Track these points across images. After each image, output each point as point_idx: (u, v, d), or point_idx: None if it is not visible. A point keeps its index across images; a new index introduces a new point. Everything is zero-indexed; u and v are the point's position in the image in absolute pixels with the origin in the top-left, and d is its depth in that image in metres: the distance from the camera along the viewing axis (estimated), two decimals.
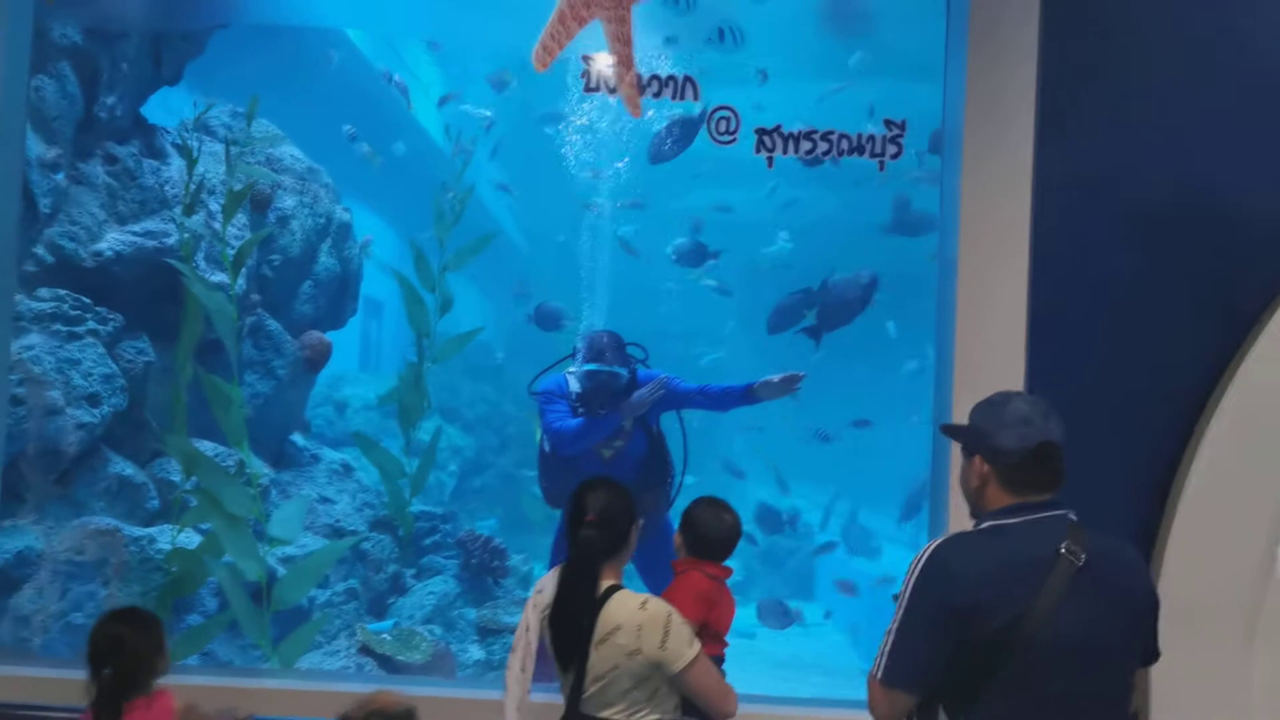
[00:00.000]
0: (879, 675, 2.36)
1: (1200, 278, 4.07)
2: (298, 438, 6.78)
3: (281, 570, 5.24)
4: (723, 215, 9.62)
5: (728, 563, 3.35)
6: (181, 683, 3.70)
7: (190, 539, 5.07)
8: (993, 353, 4.00)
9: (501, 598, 6.80)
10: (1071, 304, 4.08)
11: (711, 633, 3.22)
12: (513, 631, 6.28)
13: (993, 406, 2.51)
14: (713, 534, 3.29)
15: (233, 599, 4.71)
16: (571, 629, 2.90)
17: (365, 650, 5.18)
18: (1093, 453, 4.00)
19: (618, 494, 3.03)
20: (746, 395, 4.86)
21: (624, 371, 4.96)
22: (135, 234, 5.30)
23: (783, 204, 9.46)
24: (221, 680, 4.18)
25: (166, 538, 5.08)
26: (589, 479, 3.11)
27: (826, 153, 4.48)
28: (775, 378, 4.83)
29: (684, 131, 5.70)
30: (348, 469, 6.81)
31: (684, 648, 2.81)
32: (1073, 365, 4.03)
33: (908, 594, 2.35)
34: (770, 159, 4.50)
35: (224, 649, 5.26)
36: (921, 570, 2.35)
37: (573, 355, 5.18)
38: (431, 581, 6.64)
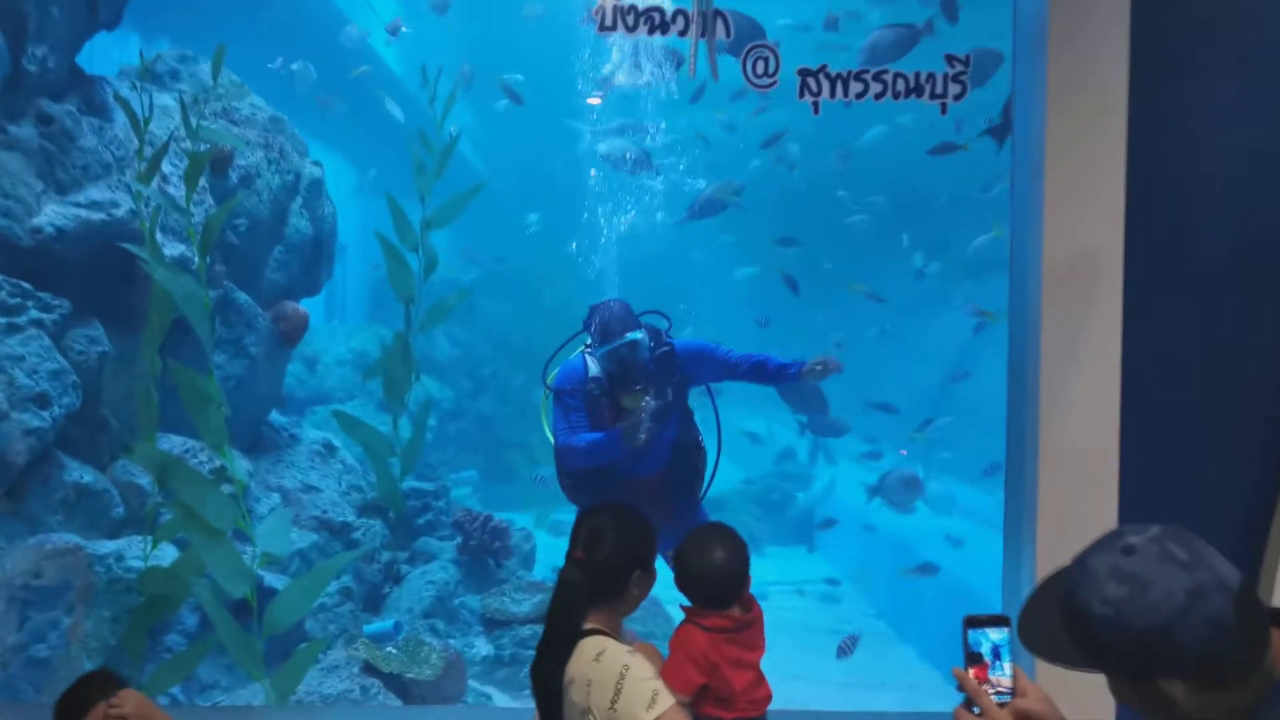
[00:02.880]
0: None
1: None
2: (276, 417, 6.16)
3: (268, 582, 4.66)
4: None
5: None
6: None
7: (165, 552, 4.48)
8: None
9: (505, 581, 6.28)
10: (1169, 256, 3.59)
11: (715, 696, 2.60)
12: (521, 622, 5.86)
13: (1121, 581, 1.60)
14: (700, 579, 2.63)
15: (218, 624, 4.13)
16: (545, 678, 2.48)
17: (370, 669, 4.63)
18: (1195, 420, 3.61)
19: (620, 534, 2.52)
20: (796, 377, 4.34)
21: (641, 335, 4.40)
22: (79, 205, 4.59)
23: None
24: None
25: (136, 552, 4.48)
26: (595, 506, 2.62)
27: (880, 95, 3.88)
28: (818, 364, 4.38)
29: None
30: (330, 449, 6.22)
31: (639, 710, 2.27)
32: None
33: None
34: (816, 104, 3.91)
35: (207, 670, 4.72)
36: None
37: (583, 331, 4.61)
38: (429, 568, 6.10)
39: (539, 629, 5.80)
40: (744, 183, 6.42)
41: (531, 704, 2.59)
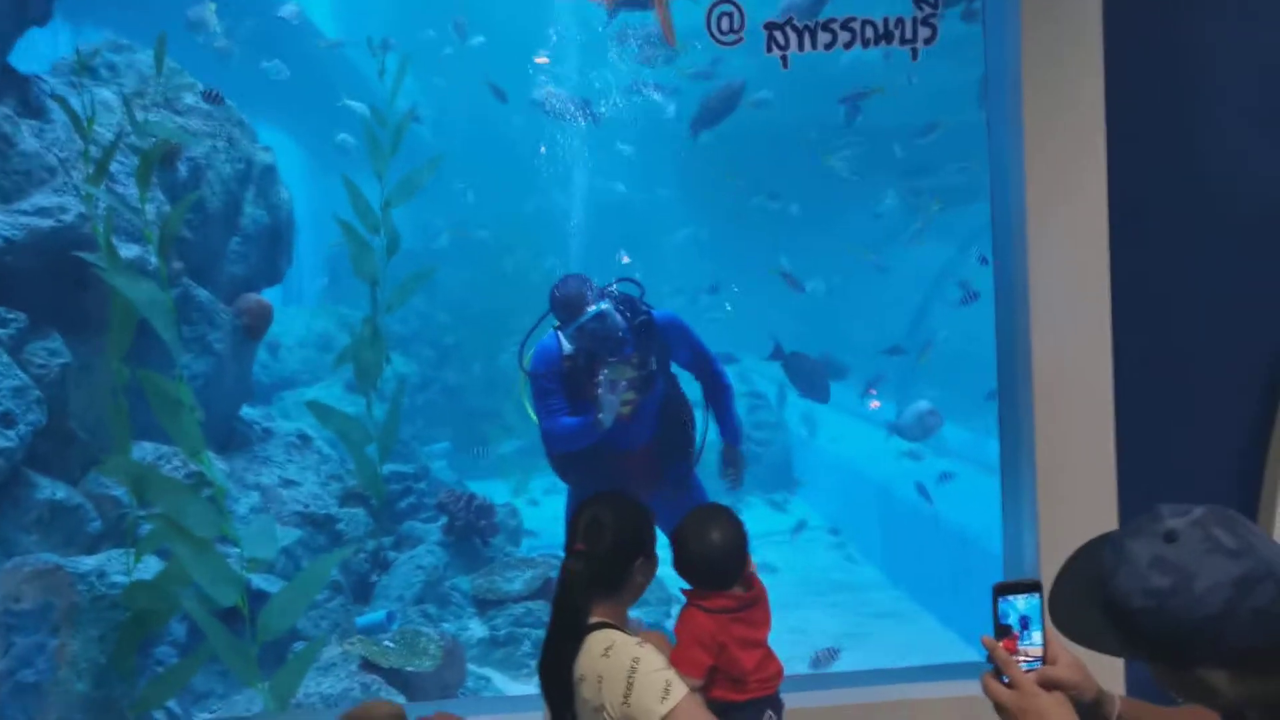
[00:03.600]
0: None
1: None
2: (246, 409, 6.01)
3: (256, 585, 4.56)
4: None
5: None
6: None
7: (149, 565, 4.35)
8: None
9: (494, 559, 6.22)
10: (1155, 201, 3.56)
11: (726, 677, 2.59)
12: (514, 600, 5.80)
13: (1164, 571, 1.54)
14: (698, 561, 2.61)
15: (210, 634, 4.02)
16: (554, 675, 2.45)
17: (369, 666, 4.55)
18: (1187, 372, 3.60)
19: (620, 522, 2.51)
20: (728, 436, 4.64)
21: (606, 305, 4.32)
22: (25, 213, 4.40)
23: None
24: None
25: (118, 566, 4.35)
26: (592, 496, 2.59)
27: (849, 43, 3.80)
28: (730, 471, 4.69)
29: None
30: (305, 440, 6.09)
31: (652, 703, 2.25)
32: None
33: None
34: (785, 58, 3.82)
35: (201, 679, 4.62)
36: None
37: (548, 314, 4.51)
38: (416, 553, 6.02)
39: (532, 606, 5.78)
40: (744, 79, 6.16)
41: (533, 687, 2.55)
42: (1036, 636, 1.84)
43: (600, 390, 4.21)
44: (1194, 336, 3.59)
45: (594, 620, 2.46)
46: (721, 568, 2.61)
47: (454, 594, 5.84)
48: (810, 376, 6.33)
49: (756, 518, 8.67)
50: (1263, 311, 3.57)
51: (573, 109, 7.43)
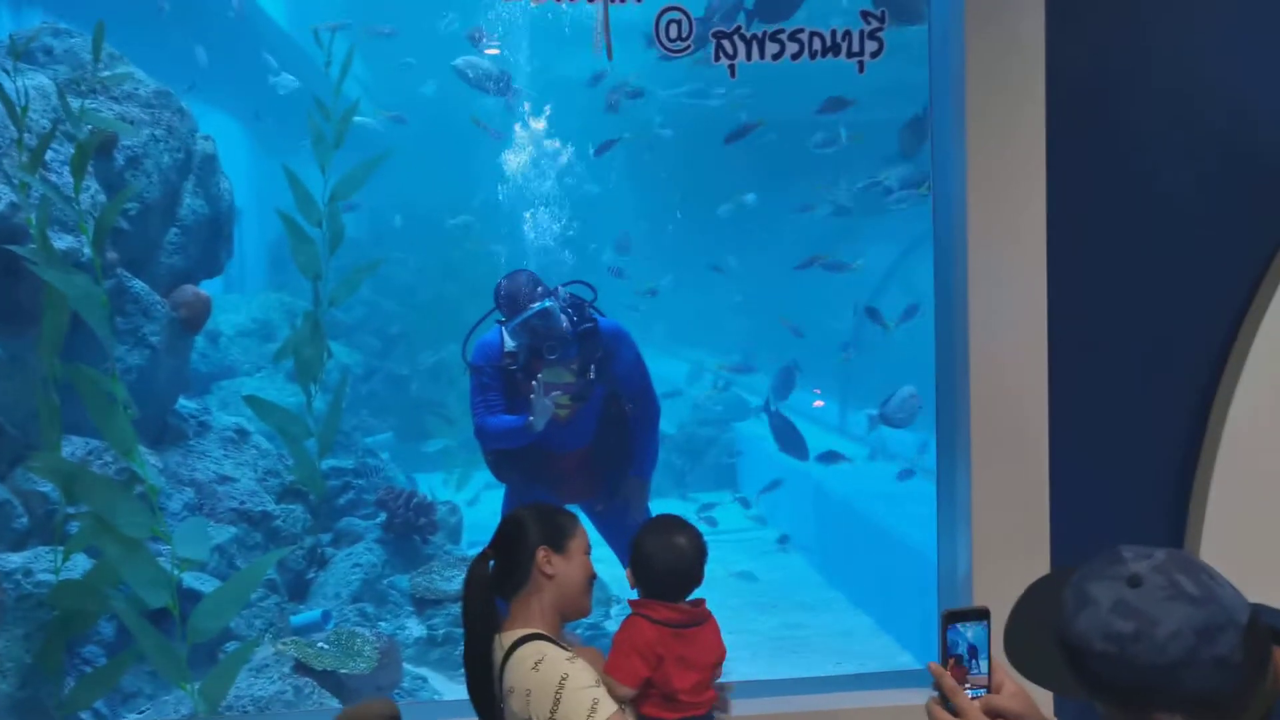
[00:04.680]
0: None
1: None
2: (182, 402, 5.91)
3: (187, 583, 4.49)
4: None
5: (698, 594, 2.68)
6: None
7: (76, 563, 4.27)
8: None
9: (433, 557, 6.18)
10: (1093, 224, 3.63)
11: (659, 693, 2.57)
12: (452, 600, 5.77)
13: (1126, 616, 1.53)
14: (659, 565, 2.62)
15: (139, 636, 3.95)
16: (476, 678, 2.50)
17: (302, 668, 4.49)
18: (1122, 383, 3.67)
19: (525, 518, 2.60)
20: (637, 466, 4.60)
21: (551, 304, 4.30)
22: None
23: None
24: None
25: (45, 564, 4.26)
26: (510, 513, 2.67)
27: (797, 55, 3.84)
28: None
29: None
30: (242, 434, 5.99)
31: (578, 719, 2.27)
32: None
33: None
34: (733, 68, 3.84)
35: (129, 679, 4.53)
36: None
37: (495, 308, 4.49)
38: (354, 550, 5.96)
39: None
40: None
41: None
42: (983, 664, 1.84)
43: (535, 391, 4.18)
44: (1130, 344, 3.66)
45: (527, 631, 2.45)
46: (682, 572, 2.62)
47: (392, 592, 5.79)
48: (789, 435, 6.83)
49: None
50: (1198, 320, 3.65)
51: (486, 73, 7.36)
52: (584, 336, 4.41)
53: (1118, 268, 3.65)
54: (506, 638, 2.45)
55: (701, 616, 2.64)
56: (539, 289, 4.36)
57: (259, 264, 12.12)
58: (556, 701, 2.26)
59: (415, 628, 5.57)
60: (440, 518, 6.41)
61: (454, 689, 5.23)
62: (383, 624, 5.53)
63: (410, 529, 6.16)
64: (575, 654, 2.41)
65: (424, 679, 5.19)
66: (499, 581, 2.53)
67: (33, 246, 3.97)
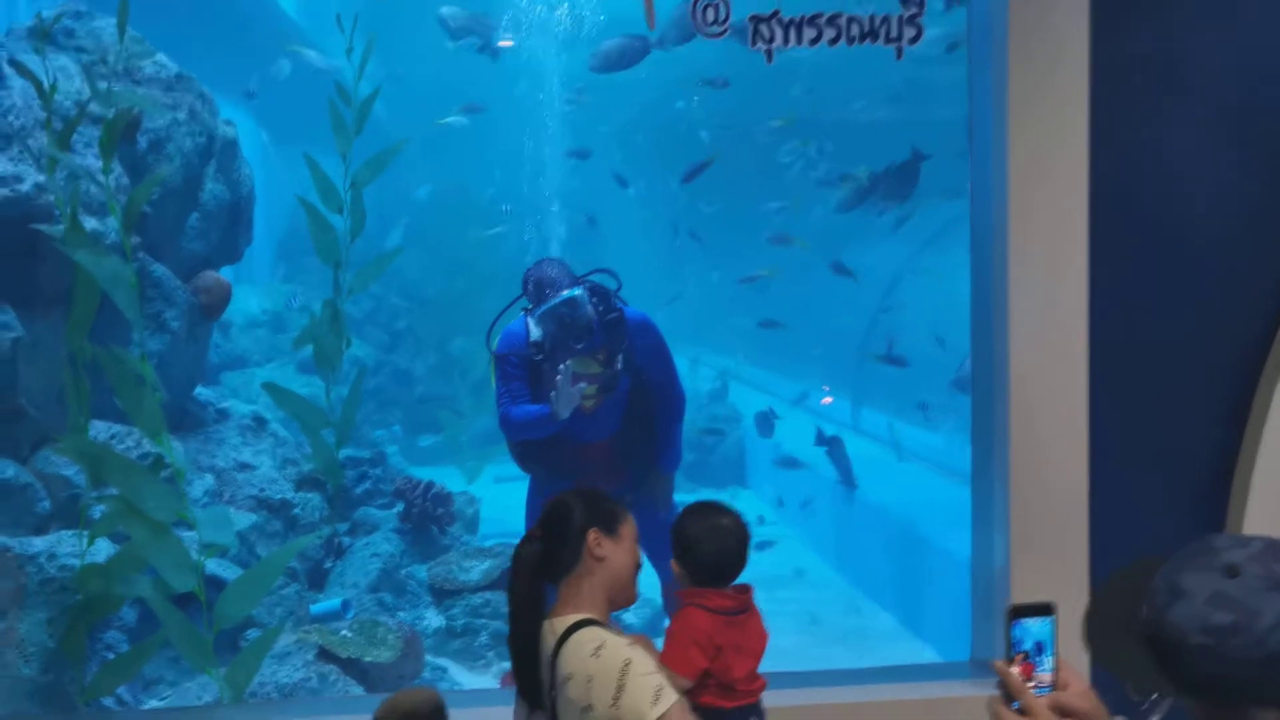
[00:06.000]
0: None
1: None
2: (200, 390, 5.87)
3: (209, 570, 4.44)
4: None
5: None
6: None
7: (100, 548, 4.23)
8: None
9: (451, 548, 6.14)
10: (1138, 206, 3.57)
11: (717, 683, 2.54)
12: (471, 590, 5.73)
13: (1224, 608, 1.48)
14: (707, 550, 2.57)
15: (166, 621, 3.91)
16: (524, 665, 2.43)
17: (326, 655, 4.46)
18: (1162, 382, 3.63)
19: (575, 500, 2.51)
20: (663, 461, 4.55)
21: (580, 292, 4.25)
22: None
23: None
24: None
25: (68, 549, 4.22)
26: (557, 496, 2.58)
27: (835, 39, 3.78)
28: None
29: None
30: (260, 422, 5.96)
31: (644, 707, 2.21)
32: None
33: None
34: (770, 52, 3.79)
35: (150, 665, 4.51)
36: None
37: (522, 295, 4.43)
38: (372, 540, 5.92)
39: (490, 597, 5.70)
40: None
41: (491, 679, 2.48)
42: (1049, 661, 1.77)
43: (559, 381, 4.12)
44: (1170, 336, 3.62)
45: (579, 616, 2.41)
46: (730, 554, 2.57)
47: (410, 582, 5.75)
48: (842, 463, 7.14)
49: None
50: (1238, 320, 3.61)
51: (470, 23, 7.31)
52: (610, 326, 4.35)
53: (1158, 266, 3.60)
54: (558, 623, 2.40)
55: (748, 602, 2.61)
56: (568, 277, 4.31)
57: (264, 254, 12.08)
58: (620, 688, 2.22)
59: (434, 618, 5.54)
60: (458, 508, 6.37)
61: (474, 679, 5.20)
62: (401, 614, 5.49)
63: (428, 519, 6.12)
64: (634, 641, 2.37)
65: (444, 669, 5.16)
66: (546, 565, 2.48)
67: (61, 227, 3.93)
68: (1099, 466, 3.55)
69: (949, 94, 4.76)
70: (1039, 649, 1.78)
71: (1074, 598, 3.51)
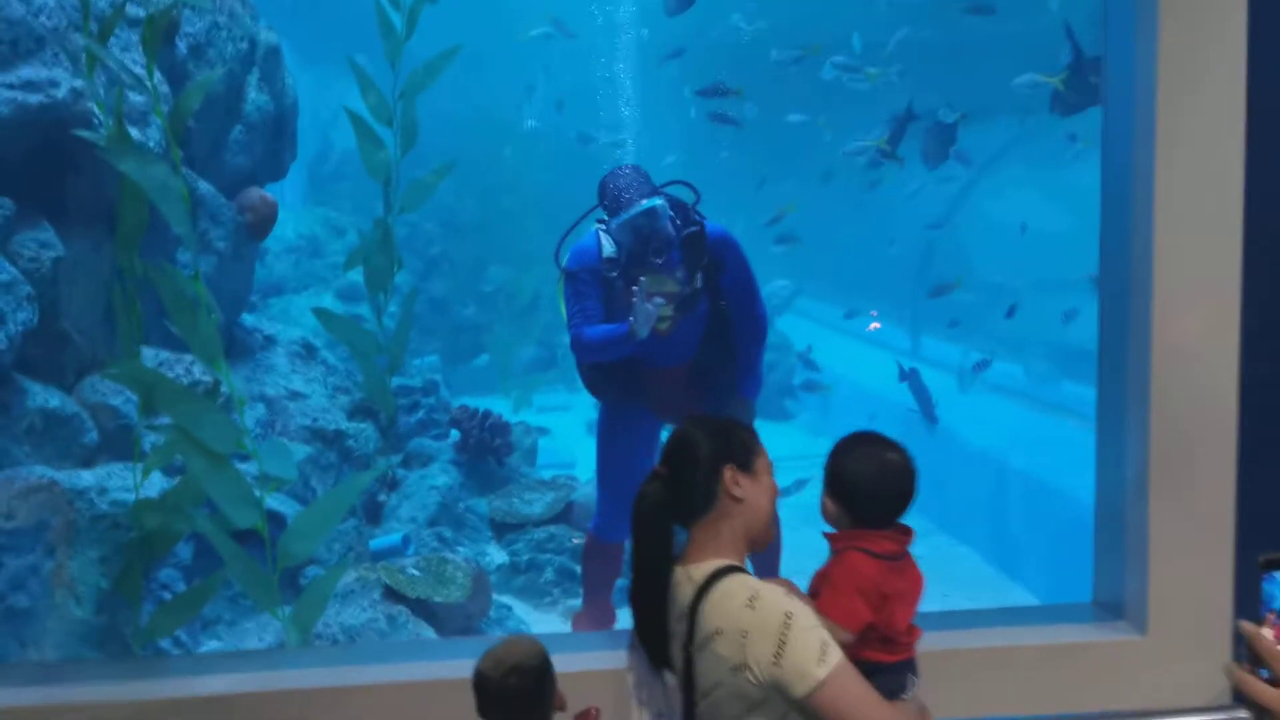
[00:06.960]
0: None
1: None
2: (246, 317, 5.58)
3: (271, 506, 4.17)
4: None
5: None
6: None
7: (153, 482, 3.96)
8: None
9: (510, 481, 5.87)
10: None
11: (879, 636, 2.23)
12: (535, 524, 5.46)
13: None
14: (872, 487, 2.22)
15: (228, 558, 3.63)
16: (649, 616, 2.15)
17: (392, 594, 4.19)
18: None
19: (703, 432, 2.20)
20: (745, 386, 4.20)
21: (660, 202, 3.89)
22: (11, 87, 3.90)
23: None
24: (241, 680, 3.12)
25: (119, 483, 3.96)
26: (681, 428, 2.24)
27: None
28: None
29: None
30: (310, 349, 5.67)
31: (809, 665, 1.93)
32: None
33: None
34: None
35: (208, 606, 4.26)
36: None
37: (598, 205, 4.08)
38: (428, 472, 5.65)
39: (555, 531, 5.40)
40: None
41: (556, 617, 2.19)
42: None
43: (635, 298, 3.78)
44: None
45: (721, 562, 2.11)
46: (899, 491, 2.23)
47: (469, 516, 5.49)
48: (924, 396, 7.02)
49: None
50: None
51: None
52: (689, 241, 4.01)
53: None
54: (695, 570, 2.10)
55: (908, 543, 2.30)
56: (648, 187, 3.95)
57: (297, 178, 11.74)
58: (781, 644, 1.92)
59: (497, 554, 5.28)
60: (515, 439, 6.09)
61: (539, 618, 4.95)
62: (462, 549, 5.24)
63: (485, 450, 5.85)
64: (789, 590, 2.07)
65: (509, 607, 4.90)
66: (675, 506, 2.17)
67: (104, 134, 3.59)
68: (1250, 399, 3.20)
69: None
70: None
71: (1214, 547, 3.15)
